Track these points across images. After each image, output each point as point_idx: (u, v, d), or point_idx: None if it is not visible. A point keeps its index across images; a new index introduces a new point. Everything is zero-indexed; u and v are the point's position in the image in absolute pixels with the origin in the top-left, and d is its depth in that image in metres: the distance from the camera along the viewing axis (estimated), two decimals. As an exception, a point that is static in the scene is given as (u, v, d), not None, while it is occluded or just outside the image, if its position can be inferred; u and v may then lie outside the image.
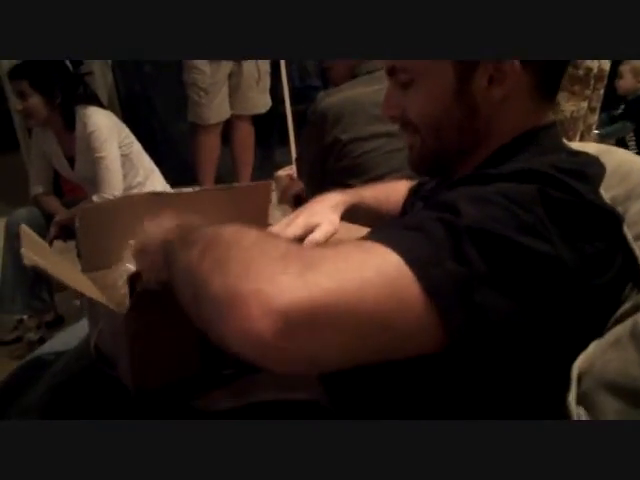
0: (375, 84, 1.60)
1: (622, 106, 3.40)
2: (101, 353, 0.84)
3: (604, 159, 0.73)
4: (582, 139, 1.64)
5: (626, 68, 3.37)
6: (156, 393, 0.76)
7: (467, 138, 0.74)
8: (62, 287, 0.90)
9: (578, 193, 0.59)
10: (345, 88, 1.62)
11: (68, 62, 2.97)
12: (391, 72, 0.76)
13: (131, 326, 0.72)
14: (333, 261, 0.50)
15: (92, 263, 0.93)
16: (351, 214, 1.04)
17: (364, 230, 1.01)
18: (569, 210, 0.58)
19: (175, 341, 0.75)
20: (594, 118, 1.64)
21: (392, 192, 1.11)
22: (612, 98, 3.15)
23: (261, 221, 1.00)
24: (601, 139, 2.86)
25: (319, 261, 0.49)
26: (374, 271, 0.50)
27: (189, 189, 1.19)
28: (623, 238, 0.65)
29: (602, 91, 1.60)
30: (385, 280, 0.50)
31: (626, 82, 3.40)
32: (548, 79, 0.73)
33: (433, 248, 0.53)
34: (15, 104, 2.41)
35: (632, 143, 3.26)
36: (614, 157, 0.77)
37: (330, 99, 1.59)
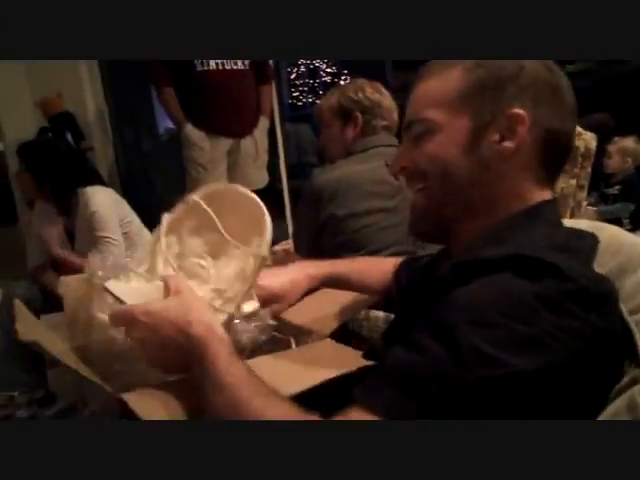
0: (370, 161, 1.65)
1: (617, 187, 3.48)
2: None
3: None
4: (572, 216, 1.67)
5: (614, 148, 3.48)
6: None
7: (472, 193, 0.76)
8: (53, 364, 0.89)
9: (571, 277, 0.62)
10: (340, 165, 1.67)
11: (70, 138, 3.05)
12: (408, 125, 0.80)
13: (126, 408, 0.69)
14: None
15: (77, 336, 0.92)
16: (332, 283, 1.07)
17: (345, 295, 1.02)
18: (567, 301, 0.60)
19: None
20: (583, 195, 1.68)
21: (373, 266, 1.14)
22: (599, 176, 3.23)
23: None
24: (600, 217, 2.93)
25: None
26: None
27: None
28: (619, 313, 0.66)
29: (589, 169, 1.64)
30: None
31: (614, 162, 3.50)
32: (553, 151, 0.76)
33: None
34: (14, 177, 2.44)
35: (626, 221, 3.32)
36: (604, 233, 0.79)
37: (325, 176, 1.63)
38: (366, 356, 0.84)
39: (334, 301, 1.05)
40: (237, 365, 0.68)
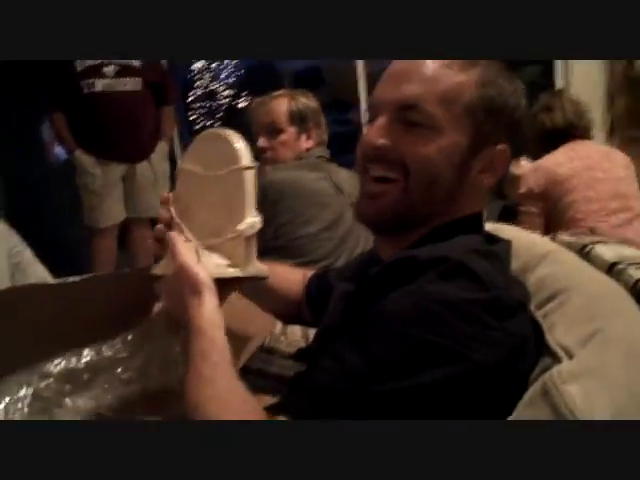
0: (315, 171, 1.66)
1: None
2: None
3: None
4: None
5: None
6: None
7: (442, 202, 0.76)
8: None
9: (487, 286, 0.65)
10: (289, 167, 1.66)
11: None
12: (404, 108, 0.74)
13: None
14: None
15: None
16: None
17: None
18: (483, 313, 0.63)
19: None
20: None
21: (290, 275, 1.13)
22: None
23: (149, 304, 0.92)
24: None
25: None
26: None
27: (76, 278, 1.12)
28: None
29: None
30: None
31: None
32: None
33: None
34: None
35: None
36: (505, 234, 0.82)
37: (274, 175, 1.62)
38: (297, 357, 0.84)
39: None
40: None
